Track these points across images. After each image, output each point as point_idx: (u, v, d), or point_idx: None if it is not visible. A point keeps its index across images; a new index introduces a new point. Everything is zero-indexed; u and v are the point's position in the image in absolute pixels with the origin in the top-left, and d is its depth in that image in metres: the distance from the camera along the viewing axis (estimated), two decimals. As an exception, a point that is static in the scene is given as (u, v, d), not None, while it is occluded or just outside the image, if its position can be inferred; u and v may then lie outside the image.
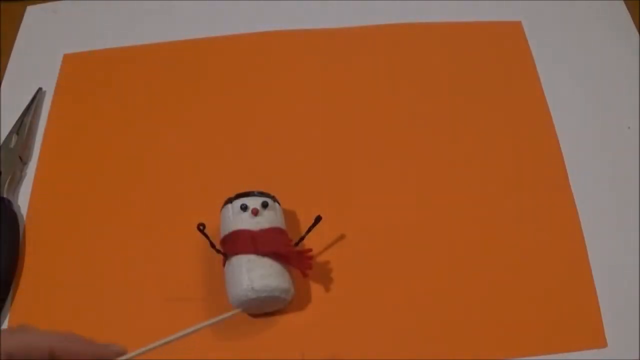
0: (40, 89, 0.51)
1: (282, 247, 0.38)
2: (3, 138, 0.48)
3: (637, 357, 0.38)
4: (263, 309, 0.39)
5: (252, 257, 0.37)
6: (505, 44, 0.53)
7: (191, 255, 0.42)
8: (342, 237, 0.43)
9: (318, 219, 0.39)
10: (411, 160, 0.46)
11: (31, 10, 0.57)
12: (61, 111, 0.50)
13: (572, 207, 0.44)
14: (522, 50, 0.52)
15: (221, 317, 0.34)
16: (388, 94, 0.50)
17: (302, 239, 0.40)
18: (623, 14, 0.54)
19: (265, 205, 0.39)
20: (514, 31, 0.53)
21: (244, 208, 0.38)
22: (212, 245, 0.39)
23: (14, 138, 0.47)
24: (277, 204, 0.40)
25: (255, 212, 0.38)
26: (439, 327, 0.39)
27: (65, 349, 0.28)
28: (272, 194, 0.40)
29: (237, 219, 0.38)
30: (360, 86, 0.51)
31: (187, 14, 0.56)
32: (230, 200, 0.40)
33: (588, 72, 0.51)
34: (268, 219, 0.39)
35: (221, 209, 0.40)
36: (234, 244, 0.37)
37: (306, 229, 0.40)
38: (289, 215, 0.43)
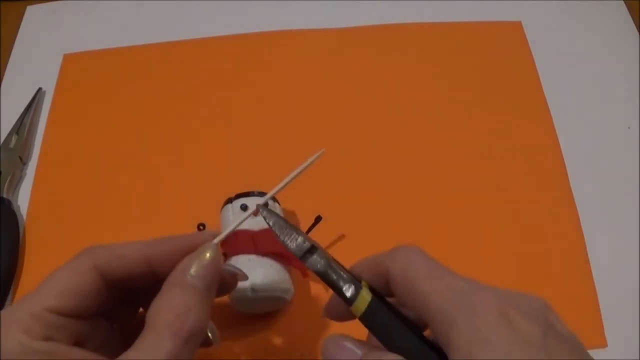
0: (40, 89, 0.51)
1: (282, 247, 0.38)
2: (3, 138, 0.48)
3: (637, 357, 0.38)
4: (263, 308, 0.38)
5: (252, 257, 0.37)
6: (505, 44, 0.53)
7: (191, 255, 0.42)
8: (342, 237, 0.43)
9: (318, 219, 0.39)
10: (411, 160, 0.46)
11: (31, 10, 0.57)
12: (61, 111, 0.50)
13: (572, 207, 0.44)
14: (522, 50, 0.52)
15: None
16: (388, 94, 0.50)
17: (302, 239, 0.40)
18: (623, 14, 0.54)
19: (265, 205, 0.39)
20: (514, 31, 0.53)
21: (244, 208, 0.38)
22: (212, 245, 0.38)
23: (14, 138, 0.47)
24: (277, 204, 0.40)
25: (255, 212, 0.38)
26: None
27: (161, 251, 0.27)
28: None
29: (237, 219, 0.38)
30: (360, 86, 0.51)
31: (187, 14, 0.56)
32: (230, 200, 0.40)
33: (588, 72, 0.51)
34: (268, 219, 0.39)
35: (221, 209, 0.40)
36: (234, 244, 0.37)
37: (306, 229, 0.40)
38: (289, 215, 0.43)
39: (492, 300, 0.23)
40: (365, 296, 0.26)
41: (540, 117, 0.48)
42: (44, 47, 0.54)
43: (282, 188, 0.29)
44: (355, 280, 0.26)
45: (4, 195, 0.44)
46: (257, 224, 0.38)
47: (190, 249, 0.27)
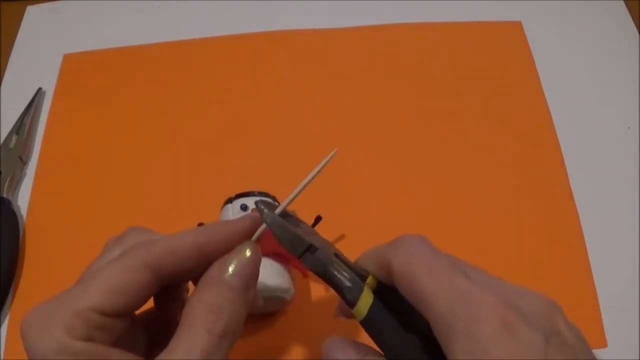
0: (40, 89, 0.51)
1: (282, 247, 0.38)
2: (3, 138, 0.48)
3: (637, 357, 0.38)
4: (263, 309, 0.38)
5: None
6: (505, 44, 0.53)
7: (191, 255, 0.42)
8: (342, 237, 0.43)
9: (318, 219, 0.39)
10: (411, 160, 0.46)
11: (31, 10, 0.57)
12: (61, 111, 0.50)
13: (572, 207, 0.44)
14: (522, 50, 0.52)
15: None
16: (388, 93, 0.50)
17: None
18: (623, 14, 0.54)
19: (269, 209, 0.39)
20: (514, 31, 0.53)
21: (244, 208, 0.38)
22: (212, 245, 0.38)
23: (14, 138, 0.47)
24: (277, 204, 0.40)
25: (253, 210, 0.38)
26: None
27: (211, 238, 0.26)
28: (272, 194, 0.40)
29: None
30: (360, 86, 0.51)
31: (188, 14, 0.56)
32: (230, 200, 0.40)
33: (588, 72, 0.51)
34: (268, 219, 0.39)
35: (221, 209, 0.40)
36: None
37: (306, 229, 0.40)
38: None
39: (493, 305, 0.22)
40: (366, 300, 0.25)
41: (540, 117, 0.48)
42: (44, 47, 0.54)
43: (298, 193, 0.28)
44: (358, 280, 0.25)
45: (4, 195, 0.44)
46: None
47: (244, 234, 0.26)
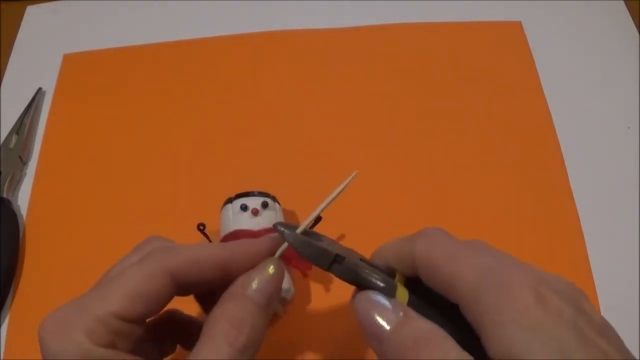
0: (40, 89, 0.51)
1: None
2: (3, 138, 0.48)
3: (637, 357, 0.38)
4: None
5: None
6: (505, 44, 0.53)
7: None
8: (342, 237, 0.43)
9: (318, 219, 0.39)
10: (411, 160, 0.46)
11: (31, 10, 0.57)
12: (61, 111, 0.50)
13: (572, 207, 0.44)
14: (522, 50, 0.52)
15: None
16: (388, 93, 0.50)
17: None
18: (623, 14, 0.54)
19: (265, 205, 0.39)
20: (514, 31, 0.53)
21: (244, 208, 0.38)
22: (212, 245, 0.38)
23: (14, 138, 0.47)
24: (277, 204, 0.40)
25: (255, 212, 0.38)
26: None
27: (234, 254, 0.26)
28: (272, 194, 0.40)
29: (237, 219, 0.38)
30: (360, 86, 0.51)
31: (188, 14, 0.56)
32: (230, 200, 0.40)
33: (588, 72, 0.51)
34: (268, 219, 0.39)
35: (221, 209, 0.40)
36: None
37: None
38: (289, 215, 0.43)
39: (524, 277, 0.22)
40: (403, 296, 0.25)
41: (540, 117, 0.48)
42: (44, 47, 0.54)
43: (320, 212, 0.28)
44: (389, 279, 0.25)
45: (4, 195, 0.44)
46: (257, 224, 0.38)
47: (267, 253, 0.27)
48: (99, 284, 0.25)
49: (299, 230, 0.27)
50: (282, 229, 0.27)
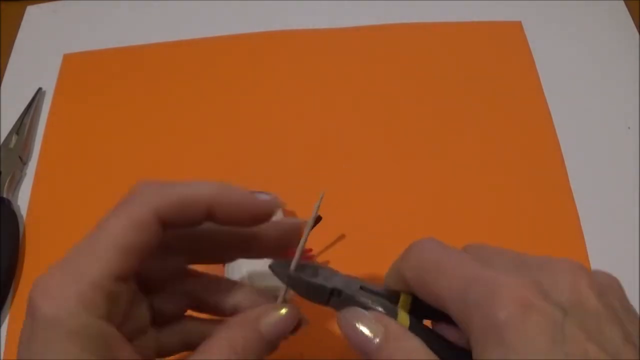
0: (40, 89, 0.51)
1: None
2: (3, 138, 0.48)
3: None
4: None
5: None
6: (505, 44, 0.53)
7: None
8: (342, 237, 0.43)
9: (318, 219, 0.39)
10: (411, 160, 0.46)
11: (31, 10, 0.57)
12: (61, 111, 0.50)
13: (572, 207, 0.44)
14: (522, 50, 0.52)
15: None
16: (388, 93, 0.50)
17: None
18: (623, 14, 0.54)
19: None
20: (514, 31, 0.53)
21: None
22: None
23: (14, 138, 0.47)
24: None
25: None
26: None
27: (226, 200, 0.24)
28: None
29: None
30: (360, 86, 0.51)
31: (188, 14, 0.56)
32: (230, 200, 0.40)
33: (588, 72, 0.51)
34: (268, 219, 0.38)
35: (221, 209, 0.40)
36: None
37: (306, 229, 0.39)
38: (289, 215, 0.43)
39: (507, 288, 0.20)
40: (404, 322, 0.24)
41: (540, 117, 0.48)
42: (44, 47, 0.54)
43: (304, 245, 0.28)
44: (390, 305, 0.25)
45: (4, 195, 0.44)
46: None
47: (259, 209, 0.26)
48: (87, 237, 0.23)
49: (292, 267, 0.26)
50: (277, 269, 0.27)
